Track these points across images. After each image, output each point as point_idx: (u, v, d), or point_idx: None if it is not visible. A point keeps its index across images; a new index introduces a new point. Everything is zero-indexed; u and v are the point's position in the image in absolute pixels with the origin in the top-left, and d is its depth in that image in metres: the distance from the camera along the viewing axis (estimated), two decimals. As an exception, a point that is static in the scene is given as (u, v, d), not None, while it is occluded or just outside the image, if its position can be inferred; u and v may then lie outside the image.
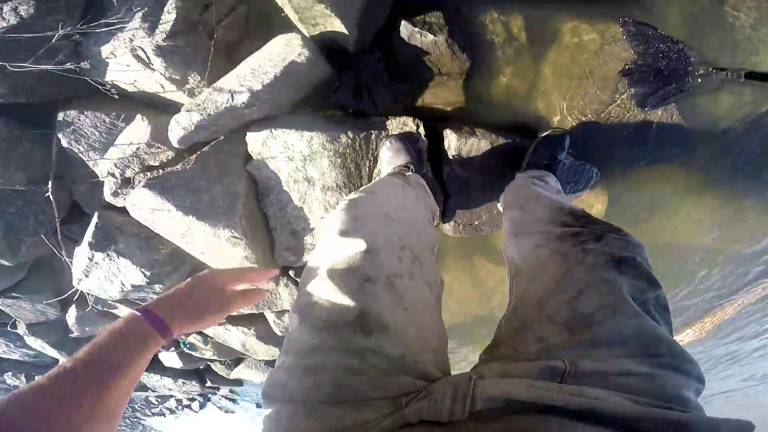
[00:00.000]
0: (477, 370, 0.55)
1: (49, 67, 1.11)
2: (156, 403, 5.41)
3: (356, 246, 0.62)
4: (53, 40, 1.11)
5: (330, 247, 0.65)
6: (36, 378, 0.56)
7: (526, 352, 0.55)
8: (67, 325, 2.19)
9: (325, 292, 0.58)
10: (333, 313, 0.55)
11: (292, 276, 1.70)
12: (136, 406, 6.15)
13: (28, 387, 0.39)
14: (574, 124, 1.27)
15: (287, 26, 1.20)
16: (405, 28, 1.21)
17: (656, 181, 1.36)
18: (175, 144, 1.20)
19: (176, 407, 5.44)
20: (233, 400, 4.93)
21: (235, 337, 2.17)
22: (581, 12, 1.21)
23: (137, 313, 0.50)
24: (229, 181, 1.25)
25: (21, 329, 2.41)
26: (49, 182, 1.45)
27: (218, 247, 1.35)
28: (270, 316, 1.94)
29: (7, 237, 1.58)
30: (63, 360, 0.43)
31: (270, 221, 1.40)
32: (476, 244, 1.65)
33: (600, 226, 0.71)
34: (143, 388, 3.93)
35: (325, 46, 1.20)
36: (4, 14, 1.09)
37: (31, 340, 2.52)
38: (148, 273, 1.47)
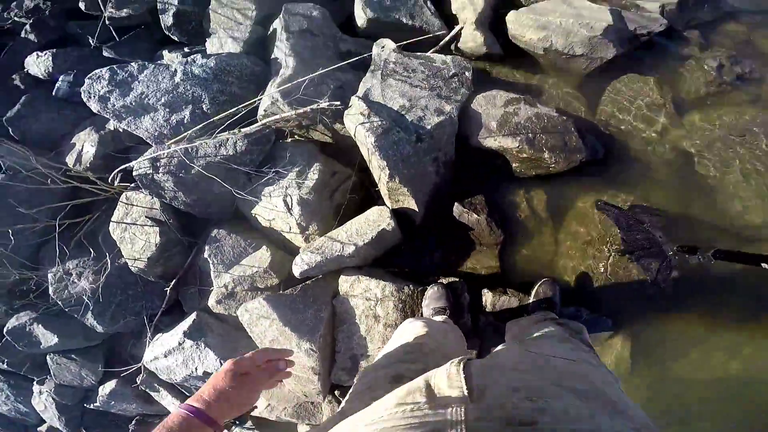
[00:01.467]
0: None
1: (234, 190, 1.68)
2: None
3: (419, 325, 1.11)
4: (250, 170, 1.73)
5: (404, 326, 1.15)
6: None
7: None
8: (88, 396, 2.36)
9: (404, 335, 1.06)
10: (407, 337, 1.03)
11: (337, 395, 1.87)
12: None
13: None
14: (585, 281, 1.68)
15: (378, 197, 1.75)
16: (457, 209, 1.73)
17: (674, 325, 1.65)
18: (297, 275, 1.65)
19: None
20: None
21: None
22: (588, 189, 1.78)
23: (190, 414, 0.63)
24: (318, 308, 1.65)
25: (47, 386, 2.48)
26: (173, 281, 1.88)
27: (294, 356, 1.64)
28: (302, 429, 2.07)
29: (116, 309, 1.93)
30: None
31: (337, 344, 1.72)
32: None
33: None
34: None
35: (399, 217, 1.71)
36: (227, 145, 1.73)
37: (38, 399, 2.54)
38: (222, 362, 1.73)
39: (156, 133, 1.88)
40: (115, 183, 1.89)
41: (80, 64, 2.32)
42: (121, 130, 2.06)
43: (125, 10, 2.32)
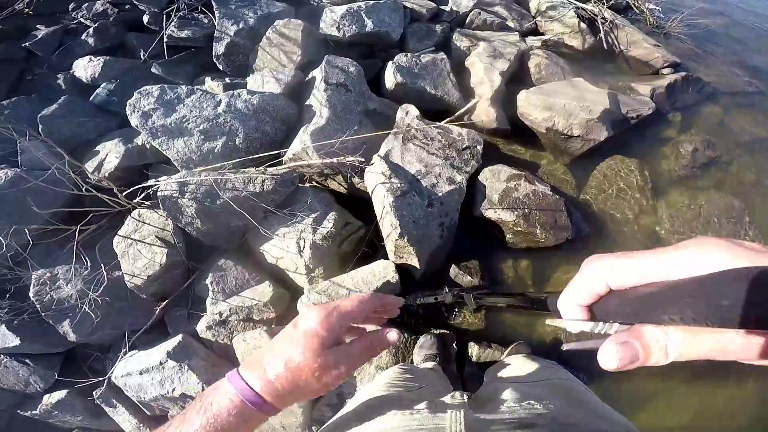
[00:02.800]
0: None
1: (261, 228, 1.79)
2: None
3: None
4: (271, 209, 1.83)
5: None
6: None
7: None
8: (24, 403, 2.19)
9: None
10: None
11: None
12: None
13: None
14: (558, 341, 1.87)
15: (382, 252, 1.91)
16: (453, 270, 1.92)
17: (636, 378, 1.83)
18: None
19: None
20: None
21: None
22: (569, 264, 2.01)
23: (250, 405, 0.44)
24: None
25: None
26: (166, 301, 1.91)
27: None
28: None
29: (101, 321, 1.84)
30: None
31: (327, 380, 1.85)
32: None
33: None
34: None
35: (399, 271, 1.85)
36: (255, 183, 1.83)
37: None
38: (205, 387, 1.80)
39: (185, 158, 1.99)
40: (136, 199, 1.95)
41: (125, 75, 2.43)
42: (148, 146, 2.14)
43: (185, 31, 2.46)
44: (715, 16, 4.41)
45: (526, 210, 2.00)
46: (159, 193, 1.84)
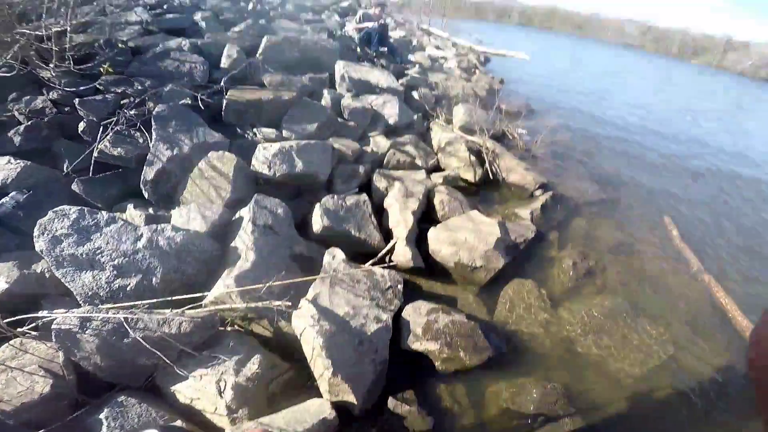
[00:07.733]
0: None
1: (177, 367, 1.65)
2: None
3: None
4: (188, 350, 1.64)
5: None
6: None
7: None
8: None
9: None
10: None
11: None
12: None
13: None
14: None
15: (314, 390, 1.83)
16: (391, 402, 1.91)
17: None
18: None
19: None
20: None
21: None
22: (497, 379, 2.10)
23: None
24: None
25: None
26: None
27: None
28: None
29: None
30: None
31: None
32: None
33: None
34: None
35: (338, 408, 1.77)
36: (172, 324, 1.68)
37: None
38: None
39: (90, 293, 1.81)
40: (21, 328, 1.72)
41: (41, 187, 2.18)
42: (47, 275, 1.91)
43: (119, 149, 2.35)
44: (565, 131, 5.61)
45: (448, 338, 2.16)
46: (54, 326, 1.66)
